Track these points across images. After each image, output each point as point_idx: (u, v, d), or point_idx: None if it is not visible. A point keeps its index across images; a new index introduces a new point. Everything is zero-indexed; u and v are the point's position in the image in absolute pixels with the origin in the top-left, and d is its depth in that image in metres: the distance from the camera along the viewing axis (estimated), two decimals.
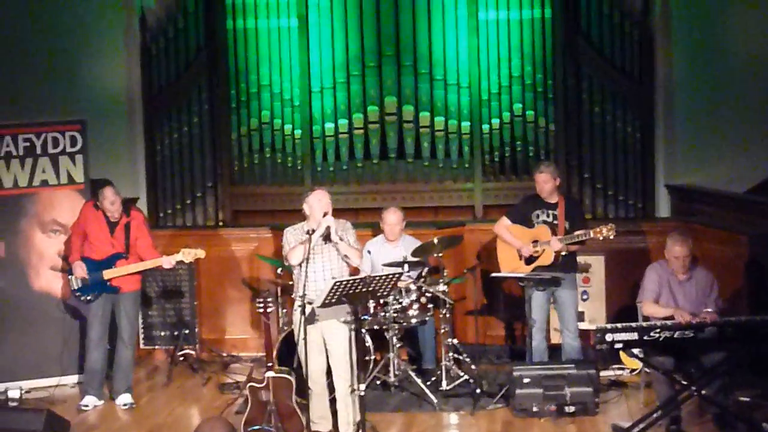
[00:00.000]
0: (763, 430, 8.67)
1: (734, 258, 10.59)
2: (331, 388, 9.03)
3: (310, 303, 8.64)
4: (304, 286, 8.66)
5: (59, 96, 12.27)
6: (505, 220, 10.21)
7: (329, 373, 8.97)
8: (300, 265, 8.76)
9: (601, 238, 9.76)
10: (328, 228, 8.68)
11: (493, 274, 10.40)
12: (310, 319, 8.68)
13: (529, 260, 9.99)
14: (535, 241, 9.96)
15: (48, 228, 10.76)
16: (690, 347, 8.82)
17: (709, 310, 8.99)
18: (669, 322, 8.84)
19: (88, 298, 10.07)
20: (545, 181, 10.01)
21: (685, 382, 8.90)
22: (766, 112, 11.93)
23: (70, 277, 10.13)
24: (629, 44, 12.13)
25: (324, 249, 8.81)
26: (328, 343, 8.86)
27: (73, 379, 10.67)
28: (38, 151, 10.73)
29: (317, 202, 8.80)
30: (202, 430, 5.69)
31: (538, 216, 10.06)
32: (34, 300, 10.72)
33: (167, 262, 10.02)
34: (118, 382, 10.20)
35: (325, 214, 8.71)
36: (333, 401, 9.07)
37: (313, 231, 8.64)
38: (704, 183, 12.08)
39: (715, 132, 12.19)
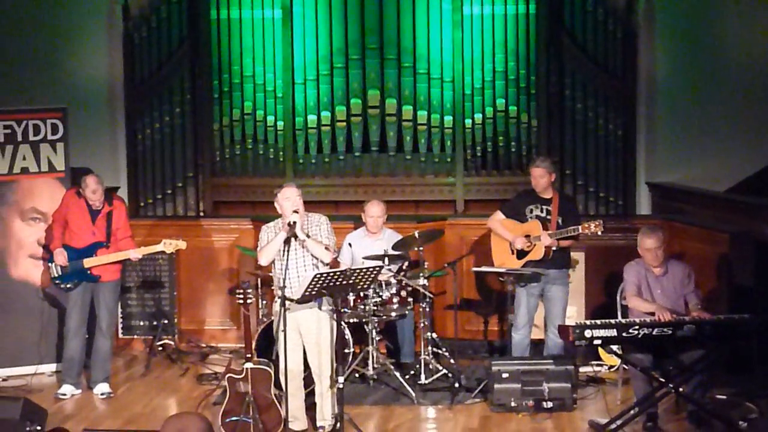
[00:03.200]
0: (739, 429, 8.75)
1: (714, 256, 10.65)
2: (306, 383, 9.08)
3: (289, 299, 8.66)
4: (283, 280, 8.66)
5: (40, 83, 12.25)
6: (498, 214, 10.21)
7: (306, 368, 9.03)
8: (274, 262, 8.82)
9: (588, 233, 9.76)
10: (293, 228, 8.68)
11: (474, 269, 10.45)
12: (285, 313, 8.70)
13: (521, 254, 10.01)
14: (527, 235, 9.98)
15: (28, 216, 10.75)
16: (668, 345, 8.88)
17: (697, 306, 9.08)
18: (648, 319, 8.90)
19: (68, 286, 10.07)
20: (541, 176, 9.98)
21: (662, 380, 8.94)
22: (748, 111, 11.99)
23: (50, 264, 10.11)
24: (612, 41, 12.19)
25: (299, 244, 8.83)
26: (304, 338, 8.88)
27: (51, 367, 10.68)
28: (19, 138, 10.70)
29: (285, 201, 8.71)
30: (168, 424, 5.55)
31: (531, 211, 10.05)
32: (12, 288, 10.72)
33: (134, 255, 10.02)
34: (96, 371, 10.20)
35: (295, 212, 8.70)
36: (308, 395, 9.13)
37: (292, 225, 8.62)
38: (685, 181, 12.13)
39: (696, 131, 12.25)
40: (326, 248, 8.79)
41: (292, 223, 8.57)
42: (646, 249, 9.22)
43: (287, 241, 8.63)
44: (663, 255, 9.25)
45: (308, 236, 8.72)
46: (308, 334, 8.84)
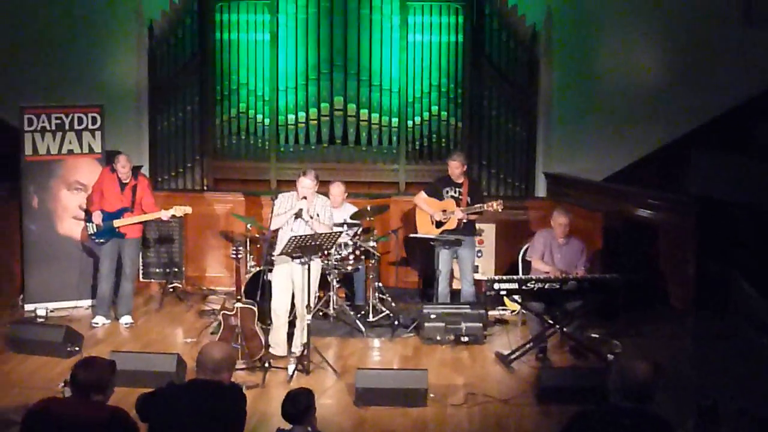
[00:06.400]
0: (607, 360, 8.80)
1: (592, 230, 10.71)
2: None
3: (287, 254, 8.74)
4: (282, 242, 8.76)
5: (84, 86, 12.14)
6: (422, 194, 10.29)
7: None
8: (278, 229, 8.98)
9: (492, 210, 9.89)
10: (300, 210, 8.81)
11: (411, 235, 10.47)
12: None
13: (439, 224, 10.08)
14: (444, 211, 10.03)
15: (72, 186, 10.68)
16: (556, 296, 8.93)
17: (581, 269, 9.19)
18: (542, 276, 8.97)
19: (101, 240, 10.05)
20: (456, 167, 10.11)
21: (551, 322, 9.01)
22: (619, 119, 12.07)
23: (88, 223, 10.10)
24: (520, 64, 12.15)
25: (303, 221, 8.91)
26: (295, 285, 8.89)
27: (87, 302, 10.60)
28: (66, 127, 10.64)
29: (300, 188, 8.90)
30: (206, 349, 5.56)
31: (447, 192, 10.15)
32: (58, 241, 10.64)
33: (164, 215, 10.02)
34: (121, 306, 10.17)
35: (304, 198, 8.79)
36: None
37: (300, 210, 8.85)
38: (572, 172, 12.17)
39: (581, 134, 12.29)
40: (324, 225, 8.93)
41: (298, 209, 8.83)
42: (558, 224, 9.38)
43: (296, 216, 8.86)
44: (568, 231, 9.36)
45: (311, 217, 8.85)
46: (297, 282, 8.86)
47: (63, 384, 6.23)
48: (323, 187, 10.65)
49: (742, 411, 6.56)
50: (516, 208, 11.52)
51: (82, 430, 5.01)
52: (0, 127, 11.87)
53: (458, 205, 10.02)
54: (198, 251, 11.72)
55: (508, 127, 12.19)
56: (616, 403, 4.91)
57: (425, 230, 10.17)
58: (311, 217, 8.85)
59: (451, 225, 10.01)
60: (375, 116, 12.22)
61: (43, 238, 10.60)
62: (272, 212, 8.96)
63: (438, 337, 9.54)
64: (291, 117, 12.27)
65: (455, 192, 10.13)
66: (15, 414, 7.01)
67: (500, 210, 9.91)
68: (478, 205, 9.92)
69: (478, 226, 10.61)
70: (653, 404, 4.95)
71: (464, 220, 9.98)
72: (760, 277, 8.97)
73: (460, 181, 10.14)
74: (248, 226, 10.77)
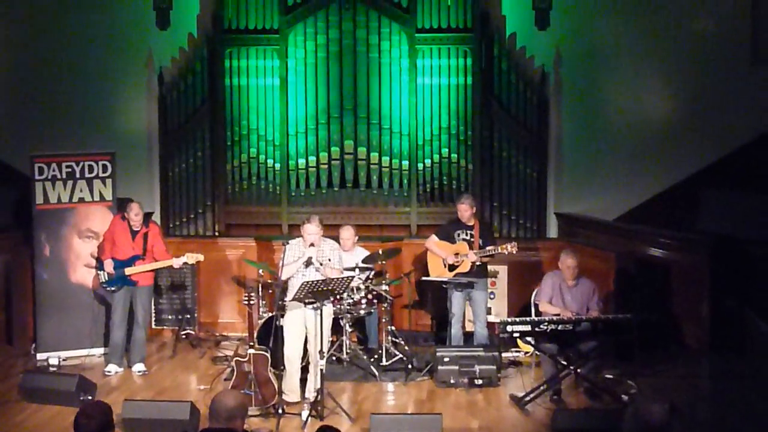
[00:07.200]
0: (622, 401, 8.76)
1: (605, 270, 10.69)
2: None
3: (299, 300, 8.76)
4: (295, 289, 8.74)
5: (95, 133, 12.25)
6: (434, 237, 10.32)
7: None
8: (290, 276, 8.99)
9: (506, 253, 9.91)
10: (309, 258, 8.86)
11: (423, 278, 10.48)
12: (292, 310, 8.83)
13: (452, 268, 10.10)
14: (457, 254, 10.06)
15: (83, 234, 10.75)
16: (570, 337, 8.92)
17: (594, 310, 9.22)
18: (555, 318, 8.96)
19: (113, 289, 10.09)
20: (465, 209, 10.16)
21: (565, 363, 8.99)
22: (629, 160, 12.09)
23: (99, 272, 10.15)
24: (530, 106, 12.19)
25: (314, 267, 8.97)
26: (307, 328, 8.91)
27: (100, 351, 10.62)
28: (77, 175, 10.74)
29: (306, 235, 8.92)
30: (219, 398, 5.58)
31: (459, 235, 10.17)
32: (71, 290, 10.69)
33: (176, 263, 10.07)
34: (134, 354, 10.19)
35: (312, 245, 8.81)
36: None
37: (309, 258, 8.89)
38: (583, 212, 12.17)
39: (592, 174, 12.29)
40: (335, 269, 9.00)
41: (308, 257, 8.86)
42: (567, 266, 9.37)
43: (306, 264, 8.90)
44: (577, 272, 9.36)
45: (321, 264, 8.91)
46: (310, 327, 8.87)
47: None
48: (333, 231, 10.70)
49: None
50: (528, 249, 11.52)
51: None
52: (11, 176, 11.98)
53: (471, 247, 10.04)
54: (210, 297, 11.75)
55: (519, 167, 12.21)
56: None
57: (437, 273, 10.20)
58: (321, 264, 8.88)
59: (464, 268, 10.04)
60: (385, 159, 12.26)
61: (56, 286, 10.65)
62: (282, 261, 9.00)
63: (452, 380, 9.53)
64: (302, 161, 12.32)
65: (467, 234, 10.15)
66: None
67: (515, 252, 9.94)
68: (492, 248, 9.95)
69: (490, 268, 10.62)
70: None
71: (477, 263, 10.01)
72: None
73: (470, 223, 10.18)
74: (260, 271, 10.79)
